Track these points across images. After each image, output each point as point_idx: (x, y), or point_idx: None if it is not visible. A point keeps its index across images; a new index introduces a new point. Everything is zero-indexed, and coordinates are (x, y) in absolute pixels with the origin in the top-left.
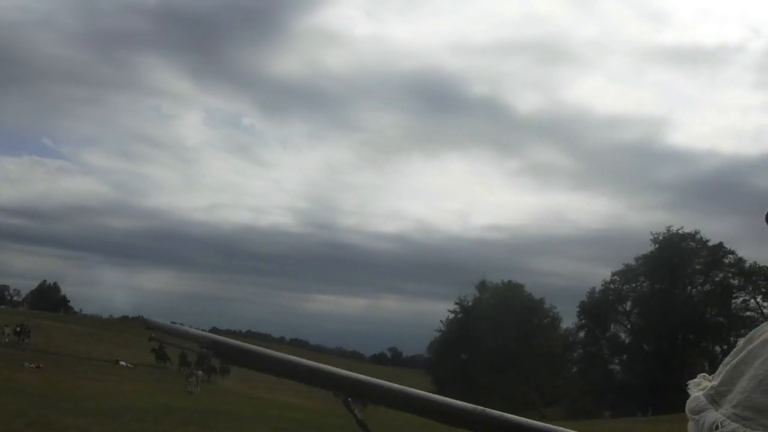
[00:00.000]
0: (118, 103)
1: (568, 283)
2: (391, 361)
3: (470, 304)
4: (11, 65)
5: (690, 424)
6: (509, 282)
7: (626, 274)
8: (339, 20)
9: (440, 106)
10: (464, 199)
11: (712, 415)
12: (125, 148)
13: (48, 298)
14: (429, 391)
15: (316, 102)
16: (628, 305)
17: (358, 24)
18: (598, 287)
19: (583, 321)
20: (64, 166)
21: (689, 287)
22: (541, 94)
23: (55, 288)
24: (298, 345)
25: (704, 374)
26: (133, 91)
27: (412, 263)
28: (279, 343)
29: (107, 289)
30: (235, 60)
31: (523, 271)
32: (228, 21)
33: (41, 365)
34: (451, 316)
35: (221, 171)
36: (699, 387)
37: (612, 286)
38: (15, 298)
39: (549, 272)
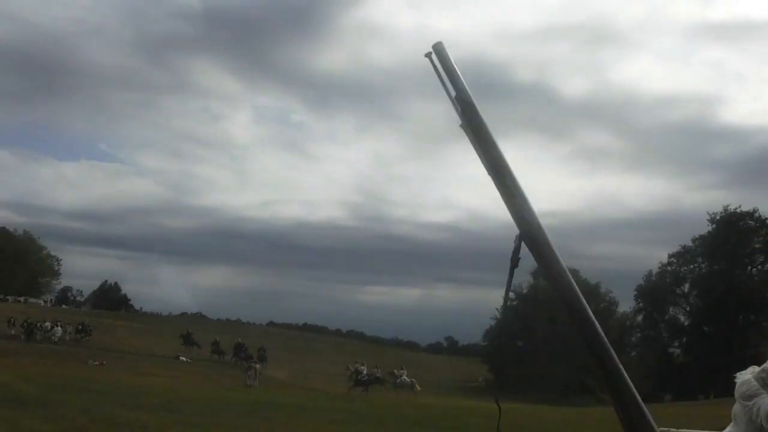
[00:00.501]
0: (169, 105)
1: (623, 266)
2: (447, 350)
3: (525, 291)
4: (67, 75)
5: (736, 408)
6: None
7: (684, 255)
8: (382, 13)
9: (487, 94)
10: (523, 186)
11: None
12: (178, 149)
13: (109, 298)
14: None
15: (363, 95)
16: (687, 287)
17: (401, 15)
18: (655, 270)
19: (640, 304)
20: (120, 169)
21: (749, 267)
22: (589, 77)
23: (115, 287)
24: (354, 336)
25: (753, 366)
26: (184, 93)
27: (465, 252)
28: (335, 335)
29: (166, 287)
30: (282, 57)
31: (577, 256)
32: (273, 20)
33: (104, 362)
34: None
35: (272, 167)
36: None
37: (669, 268)
38: (78, 298)
39: (604, 256)
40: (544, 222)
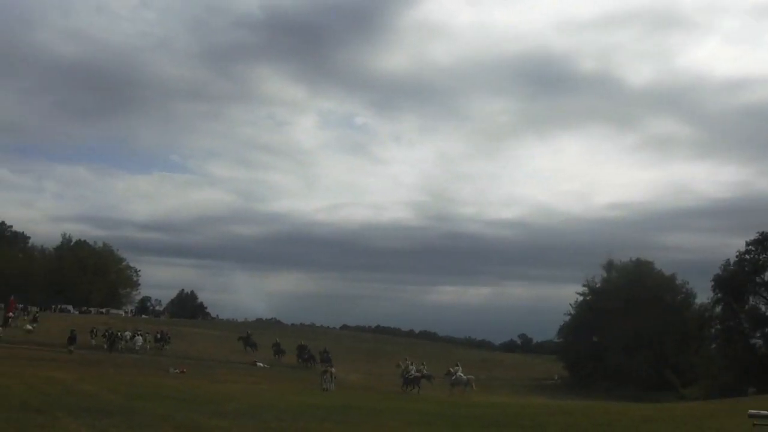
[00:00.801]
0: (236, 114)
1: (698, 256)
2: (521, 348)
3: (598, 285)
4: (137, 89)
5: None
6: (637, 260)
7: (762, 242)
8: (441, 11)
9: (550, 87)
10: (582, 179)
11: None
12: (246, 157)
13: (186, 306)
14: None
15: (426, 95)
16: (767, 276)
17: (460, 13)
18: (733, 258)
19: (719, 295)
20: (191, 179)
21: None
22: (654, 63)
23: (192, 296)
24: (427, 337)
25: None
26: (249, 101)
27: (534, 248)
28: (408, 336)
29: (240, 294)
30: (343, 61)
31: (650, 247)
32: (333, 24)
33: (185, 370)
34: (580, 298)
35: (338, 171)
36: None
37: (747, 256)
38: (157, 308)
39: (677, 247)
40: (612, 215)
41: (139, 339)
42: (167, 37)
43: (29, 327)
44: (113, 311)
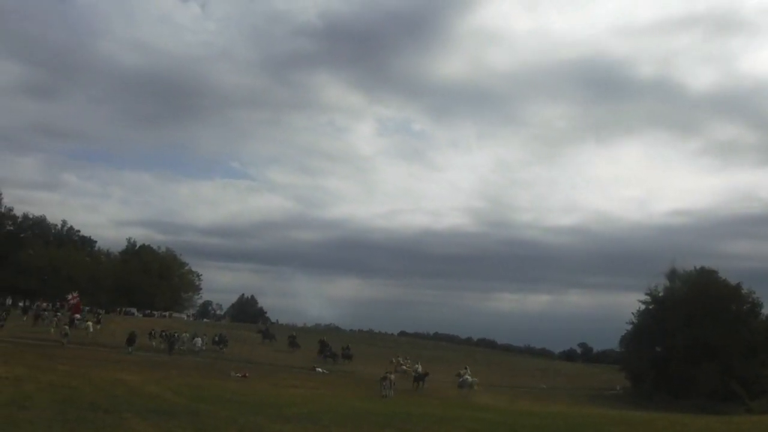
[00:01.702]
0: (295, 121)
1: (764, 265)
2: (581, 357)
3: (661, 294)
4: (199, 97)
5: None
6: (701, 268)
7: None
8: (499, 17)
9: (609, 92)
10: (643, 185)
11: None
12: (305, 164)
13: (247, 310)
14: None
15: (483, 101)
16: None
17: (518, 19)
18: None
19: None
20: (251, 185)
21: None
22: (717, 68)
23: (252, 301)
24: (486, 345)
25: None
26: (308, 109)
27: (594, 255)
28: (467, 344)
29: (299, 299)
30: (402, 68)
31: (714, 255)
32: (391, 31)
33: (247, 374)
34: (642, 307)
35: (396, 177)
36: None
37: None
38: (218, 312)
39: (743, 255)
40: (675, 222)
41: (199, 340)
42: (228, 46)
43: (91, 329)
44: (176, 315)
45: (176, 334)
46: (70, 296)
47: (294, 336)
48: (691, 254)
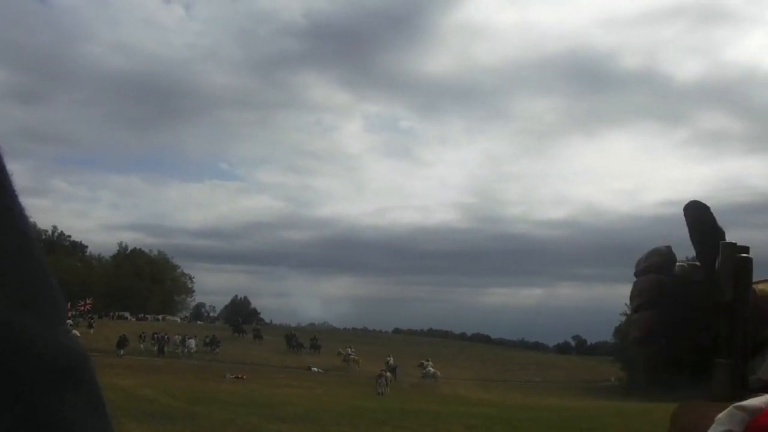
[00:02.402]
0: (283, 121)
1: (755, 253)
2: (576, 349)
3: None
4: (186, 98)
5: None
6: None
7: None
8: (483, 12)
9: (596, 85)
10: (632, 177)
11: None
12: (293, 163)
13: (240, 312)
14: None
15: (471, 96)
16: None
17: (502, 12)
18: None
19: None
20: (241, 186)
21: None
22: (702, 58)
23: (245, 302)
24: (480, 340)
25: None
26: (296, 108)
27: (585, 248)
28: (460, 339)
29: (292, 299)
30: (388, 65)
31: None
32: (375, 29)
33: (241, 376)
34: None
35: (385, 175)
36: None
37: None
38: (211, 314)
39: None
40: (665, 212)
41: (192, 342)
42: (213, 47)
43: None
44: (169, 318)
45: (166, 336)
46: (82, 303)
47: (294, 335)
48: (684, 244)
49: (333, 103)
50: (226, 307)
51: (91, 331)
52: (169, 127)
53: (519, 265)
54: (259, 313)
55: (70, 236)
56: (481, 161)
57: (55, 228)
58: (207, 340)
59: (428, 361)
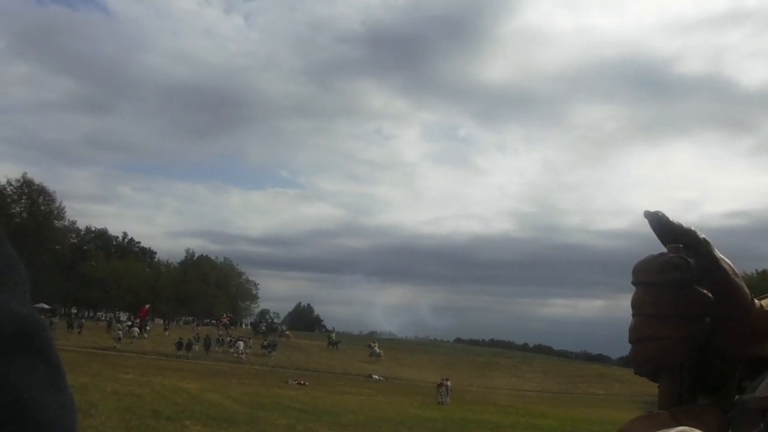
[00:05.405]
0: (341, 129)
1: None
2: None
3: None
4: (246, 106)
5: None
6: (763, 272)
7: None
8: (542, 18)
9: (657, 91)
10: (695, 186)
11: None
12: (352, 171)
13: (303, 319)
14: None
15: (529, 104)
16: None
17: (561, 18)
18: None
19: None
20: (301, 194)
21: None
22: None
23: (309, 309)
24: (543, 351)
25: None
26: (354, 116)
27: None
28: (523, 350)
29: (354, 307)
30: (446, 73)
31: None
32: (434, 36)
33: (304, 382)
34: None
35: (444, 183)
36: None
37: None
38: (275, 320)
39: None
40: (730, 223)
41: (241, 344)
42: (272, 55)
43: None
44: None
45: (220, 338)
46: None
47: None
48: (750, 257)
49: (391, 110)
50: (290, 313)
51: (145, 335)
52: (230, 134)
53: (579, 276)
54: (322, 321)
55: (139, 242)
56: (539, 169)
57: (125, 234)
58: (264, 344)
59: (375, 342)
